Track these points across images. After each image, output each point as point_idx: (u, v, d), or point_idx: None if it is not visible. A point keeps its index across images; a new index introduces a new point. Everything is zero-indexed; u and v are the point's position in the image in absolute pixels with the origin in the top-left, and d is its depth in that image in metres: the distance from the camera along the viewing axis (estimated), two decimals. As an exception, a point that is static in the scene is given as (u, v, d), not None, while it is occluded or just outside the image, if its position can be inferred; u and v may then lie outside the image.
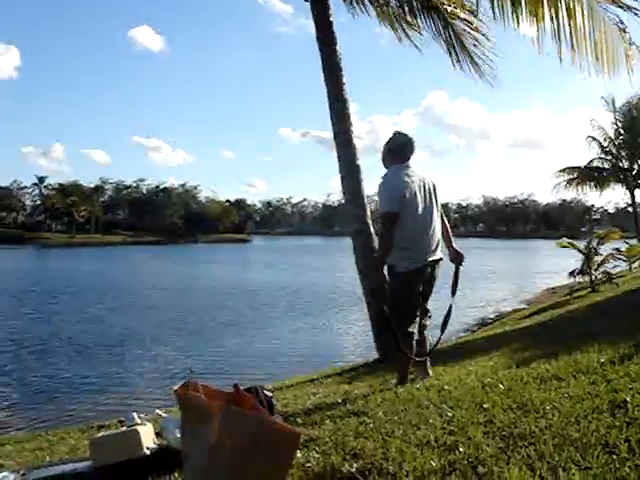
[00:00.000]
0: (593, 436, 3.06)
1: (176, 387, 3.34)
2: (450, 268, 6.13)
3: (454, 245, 6.16)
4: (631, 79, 8.84)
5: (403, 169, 5.73)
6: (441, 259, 5.88)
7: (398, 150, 5.85)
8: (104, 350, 16.37)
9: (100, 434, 4.55)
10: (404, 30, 10.85)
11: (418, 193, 5.64)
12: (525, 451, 3.02)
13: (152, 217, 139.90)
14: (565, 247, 19.28)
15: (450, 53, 10.42)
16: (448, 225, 6.21)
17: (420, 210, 5.64)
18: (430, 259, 5.73)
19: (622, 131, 36.87)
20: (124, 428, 4.40)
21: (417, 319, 5.85)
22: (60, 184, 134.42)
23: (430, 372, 6.18)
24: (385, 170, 5.92)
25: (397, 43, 10.94)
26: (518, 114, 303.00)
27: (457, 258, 6.14)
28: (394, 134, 6.00)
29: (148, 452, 4.06)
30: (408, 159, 5.82)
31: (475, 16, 10.03)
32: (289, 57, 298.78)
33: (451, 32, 10.29)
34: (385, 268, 5.75)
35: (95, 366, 14.55)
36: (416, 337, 5.86)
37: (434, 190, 5.89)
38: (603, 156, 37.86)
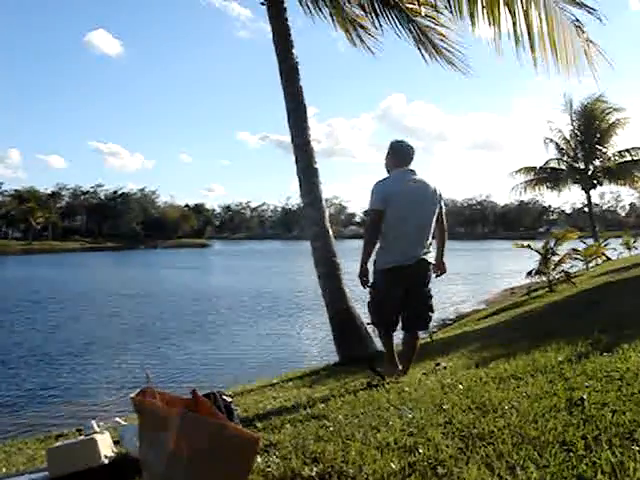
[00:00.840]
0: (551, 434, 3.08)
1: (133, 394, 3.30)
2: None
3: (442, 256, 6.34)
4: (593, 74, 8.93)
5: (403, 174, 6.08)
6: (425, 260, 6.04)
7: (399, 156, 6.22)
8: (64, 358, 16.15)
9: (57, 444, 4.48)
10: (359, 35, 10.94)
11: (408, 197, 5.95)
12: (484, 451, 3.03)
13: (111, 223, 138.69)
14: (522, 247, 19.45)
15: (419, 48, 10.49)
16: (445, 235, 6.34)
17: (405, 212, 5.91)
18: (408, 261, 5.93)
19: (578, 132, 37.40)
20: (82, 437, 4.33)
21: (394, 315, 6.10)
22: (16, 190, 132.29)
23: (402, 370, 6.23)
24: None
25: (354, 48, 11.02)
26: (475, 116, 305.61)
27: (438, 269, 6.32)
28: (397, 142, 6.35)
29: (106, 461, 4.01)
30: (408, 164, 6.17)
31: (437, 11, 10.12)
32: (248, 61, 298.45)
33: (416, 29, 10.36)
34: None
35: (54, 375, 14.35)
36: (396, 330, 6.18)
37: (432, 196, 6.10)
38: (559, 157, 38.40)
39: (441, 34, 10.35)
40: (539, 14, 8.68)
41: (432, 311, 6.24)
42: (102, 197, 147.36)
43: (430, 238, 6.12)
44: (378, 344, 9.39)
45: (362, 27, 10.94)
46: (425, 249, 6.05)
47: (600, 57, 8.90)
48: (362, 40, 11.02)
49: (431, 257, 6.15)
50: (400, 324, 6.17)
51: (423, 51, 10.53)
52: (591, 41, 8.89)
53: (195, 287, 36.24)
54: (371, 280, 6.11)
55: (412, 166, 6.19)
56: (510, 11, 8.70)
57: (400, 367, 6.25)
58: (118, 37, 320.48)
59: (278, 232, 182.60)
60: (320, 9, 10.73)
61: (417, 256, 5.96)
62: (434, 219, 6.15)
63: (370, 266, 6.08)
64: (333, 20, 10.86)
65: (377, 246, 6.05)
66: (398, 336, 6.23)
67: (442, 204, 6.27)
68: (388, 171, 6.29)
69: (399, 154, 6.25)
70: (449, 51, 10.41)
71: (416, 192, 6.00)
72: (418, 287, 6.09)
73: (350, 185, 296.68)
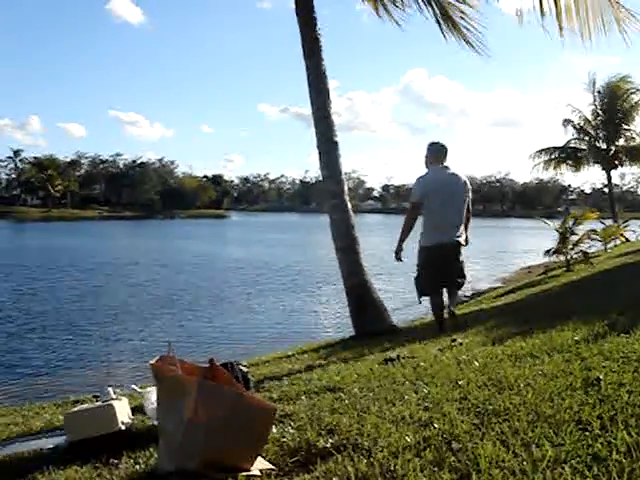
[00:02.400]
0: (566, 413, 3.08)
1: (153, 361, 3.32)
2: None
3: (466, 234, 7.86)
4: (625, 39, 8.79)
5: (439, 170, 7.64)
6: (458, 242, 7.61)
7: (437, 154, 7.74)
8: (83, 326, 16.26)
9: (75, 409, 4.52)
10: (384, 6, 10.80)
11: (444, 188, 7.51)
12: (499, 427, 3.04)
13: (129, 192, 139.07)
14: (539, 227, 19.38)
15: (440, 24, 10.36)
16: (470, 218, 7.92)
17: (442, 201, 7.44)
18: (447, 240, 7.50)
19: (600, 112, 37.05)
20: (99, 403, 4.37)
21: (437, 284, 7.73)
22: (36, 158, 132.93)
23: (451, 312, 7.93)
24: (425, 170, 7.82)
25: (378, 21, 10.88)
26: (498, 93, 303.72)
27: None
28: (432, 143, 7.86)
29: (123, 427, 4.05)
30: (443, 161, 7.70)
31: None
32: (270, 33, 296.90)
33: (437, 5, 10.24)
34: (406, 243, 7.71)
35: (73, 342, 14.46)
36: (439, 299, 7.84)
37: (464, 188, 7.71)
38: (579, 137, 38.08)
39: (462, 11, 10.23)
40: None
41: (465, 277, 7.88)
42: (121, 166, 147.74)
43: (462, 222, 7.65)
44: (394, 319, 9.44)
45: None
46: (459, 232, 7.59)
47: (634, 23, 8.75)
48: (387, 11, 10.86)
49: (463, 239, 7.68)
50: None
51: (444, 28, 10.40)
52: (623, 6, 8.75)
53: (212, 259, 36.35)
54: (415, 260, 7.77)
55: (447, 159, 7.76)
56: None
57: (447, 316, 7.91)
58: (139, 5, 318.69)
59: (296, 205, 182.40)
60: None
61: (453, 237, 7.53)
62: (465, 207, 7.71)
63: (409, 244, 7.68)
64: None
65: (422, 225, 7.59)
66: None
67: (470, 194, 7.77)
68: (427, 166, 7.77)
69: (435, 153, 7.74)
70: (468, 29, 10.27)
71: (451, 185, 7.59)
72: (452, 263, 7.63)
73: (369, 159, 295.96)
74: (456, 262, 7.66)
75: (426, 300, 7.99)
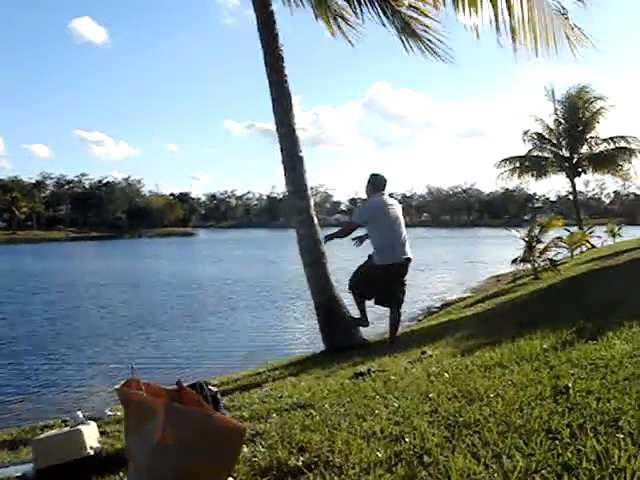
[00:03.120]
0: (536, 422, 3.09)
1: (118, 385, 3.28)
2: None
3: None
4: (576, 58, 9.00)
5: (380, 197, 8.67)
6: (409, 259, 8.60)
7: (377, 185, 8.77)
8: (53, 349, 16.07)
9: (42, 435, 4.45)
10: (339, 25, 10.91)
11: (389, 212, 8.52)
12: (470, 439, 3.04)
13: (95, 212, 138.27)
14: (503, 234, 19.57)
15: (402, 40, 10.45)
16: None
17: (389, 223, 8.47)
18: (398, 260, 8.47)
19: (562, 121, 37.54)
20: (67, 428, 4.31)
21: (374, 293, 8.69)
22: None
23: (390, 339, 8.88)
24: (366, 197, 9.01)
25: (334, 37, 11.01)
26: (462, 104, 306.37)
27: None
28: (373, 175, 8.86)
29: (92, 452, 3.99)
30: (383, 190, 8.75)
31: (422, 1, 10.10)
32: (235, 49, 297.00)
33: (400, 19, 10.32)
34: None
35: (40, 365, 14.28)
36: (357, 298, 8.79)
37: (400, 210, 8.76)
38: (542, 145, 38.52)
39: (425, 25, 10.32)
40: (521, 1, 8.73)
41: (404, 294, 8.84)
42: (86, 186, 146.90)
43: (407, 240, 8.66)
44: (364, 333, 9.44)
45: (343, 18, 10.90)
46: (407, 248, 8.58)
47: (584, 41, 8.96)
48: (342, 31, 10.99)
49: (411, 254, 8.64)
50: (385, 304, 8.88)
51: (405, 41, 10.49)
52: (574, 26, 8.93)
53: (180, 277, 36.14)
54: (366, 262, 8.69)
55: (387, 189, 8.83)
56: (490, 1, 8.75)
57: (388, 336, 8.99)
58: (103, 24, 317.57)
59: (263, 220, 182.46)
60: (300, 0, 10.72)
61: (404, 255, 8.51)
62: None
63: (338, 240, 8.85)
64: (313, 9, 10.81)
65: (373, 245, 8.54)
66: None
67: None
68: (368, 194, 8.86)
69: (377, 184, 8.79)
70: (432, 42, 10.37)
71: (394, 209, 8.63)
72: (401, 278, 8.66)
73: (336, 173, 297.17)
74: (402, 280, 8.70)
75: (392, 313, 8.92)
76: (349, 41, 11.06)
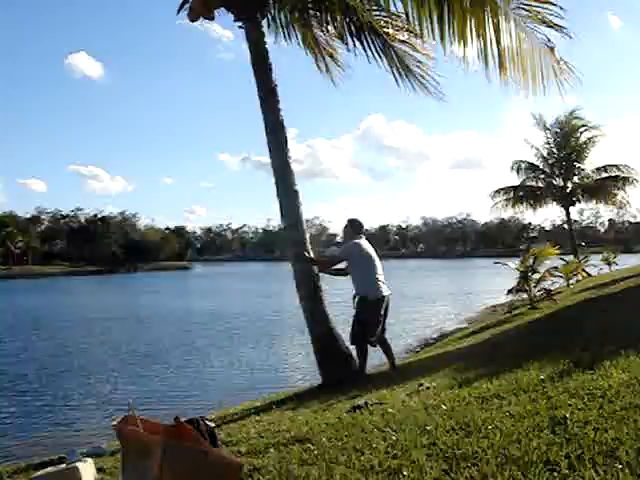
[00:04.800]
0: (534, 454, 3.08)
1: (115, 422, 3.27)
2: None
3: None
4: (561, 92, 9.11)
5: (360, 240, 9.40)
6: (390, 293, 9.26)
7: (357, 229, 9.58)
8: (44, 384, 16.00)
9: (39, 472, 4.42)
10: (325, 63, 11.13)
11: (369, 251, 9.31)
12: (468, 472, 3.03)
13: (91, 247, 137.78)
14: (501, 264, 19.54)
15: (393, 74, 10.54)
16: None
17: (372, 260, 9.22)
18: (385, 293, 9.11)
19: (554, 150, 37.71)
20: (64, 465, 4.28)
21: (377, 332, 9.08)
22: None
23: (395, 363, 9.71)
24: (343, 240, 10.03)
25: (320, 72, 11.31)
26: (456, 135, 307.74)
27: None
28: (351, 220, 9.76)
29: (88, 489, 3.96)
30: (361, 233, 9.55)
31: (415, 36, 10.20)
32: (230, 83, 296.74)
33: (393, 54, 10.42)
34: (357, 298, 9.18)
35: (36, 401, 14.20)
36: (376, 343, 9.22)
37: (375, 251, 9.47)
38: (536, 175, 38.64)
39: (417, 60, 10.43)
40: (510, 35, 8.84)
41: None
42: (82, 221, 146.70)
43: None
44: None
45: (330, 56, 11.12)
46: (385, 285, 9.25)
47: (571, 74, 9.06)
48: (328, 69, 11.20)
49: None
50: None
51: (398, 76, 10.59)
52: (560, 60, 9.03)
53: (176, 311, 36.00)
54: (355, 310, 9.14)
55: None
56: (478, 34, 8.85)
57: (389, 366, 9.68)
58: (100, 60, 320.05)
59: (259, 254, 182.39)
60: (289, 35, 10.92)
61: (386, 292, 9.17)
62: None
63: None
64: (305, 43, 10.99)
65: (360, 283, 9.17)
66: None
67: None
68: (346, 236, 9.74)
69: (357, 228, 9.61)
70: (423, 77, 10.47)
71: (371, 250, 9.39)
72: (387, 311, 9.24)
73: (333, 205, 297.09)
74: (386, 313, 9.27)
75: (391, 345, 9.49)
76: (332, 80, 11.35)
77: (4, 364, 19.25)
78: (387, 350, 9.55)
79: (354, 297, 9.19)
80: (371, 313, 9.01)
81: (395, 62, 10.47)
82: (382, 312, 9.08)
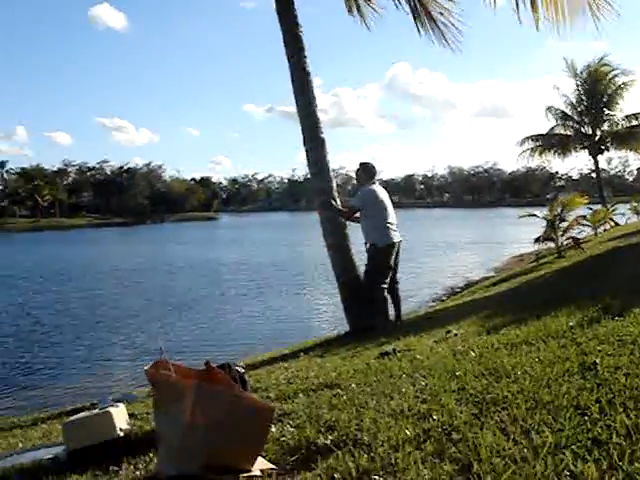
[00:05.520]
0: (564, 398, 3.08)
1: (147, 367, 3.30)
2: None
3: None
4: (597, 28, 8.83)
5: (374, 186, 9.40)
6: (401, 240, 9.36)
7: (370, 174, 9.59)
8: (77, 334, 16.25)
9: (72, 418, 4.50)
10: (358, 6, 10.83)
11: (383, 198, 9.30)
12: (498, 416, 3.04)
13: (117, 198, 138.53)
14: (528, 216, 19.38)
15: (415, 21, 10.37)
16: None
17: (384, 207, 9.24)
18: (395, 240, 9.20)
19: (584, 97, 37.13)
20: (97, 410, 4.35)
21: (388, 279, 9.14)
22: (22, 168, 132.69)
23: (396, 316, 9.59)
24: (357, 184, 10.04)
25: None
26: (483, 83, 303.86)
27: None
28: (363, 164, 9.73)
29: (121, 433, 4.03)
30: (374, 178, 9.61)
31: None
32: (254, 32, 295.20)
33: (417, 1, 10.25)
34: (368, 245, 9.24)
35: (69, 350, 14.47)
36: (387, 291, 9.16)
37: (388, 198, 9.52)
38: (565, 123, 38.13)
39: (443, 7, 10.24)
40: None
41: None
42: (108, 173, 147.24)
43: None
44: (388, 314, 9.43)
45: None
46: (397, 232, 9.32)
47: (606, 10, 8.79)
48: (361, 13, 10.92)
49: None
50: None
51: (420, 23, 10.41)
52: None
53: (205, 262, 36.19)
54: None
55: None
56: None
57: (394, 317, 9.55)
58: (123, 10, 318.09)
59: (285, 204, 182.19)
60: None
61: (399, 236, 9.30)
62: None
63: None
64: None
65: (370, 230, 9.20)
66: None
67: None
68: (359, 181, 9.70)
69: (369, 172, 9.61)
70: (446, 25, 10.29)
71: (385, 196, 9.39)
72: (397, 258, 9.34)
73: (359, 155, 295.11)
74: (397, 260, 9.38)
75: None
76: (365, 23, 11.01)
77: (39, 316, 19.54)
78: (396, 300, 9.55)
79: (365, 245, 9.31)
80: (382, 260, 9.11)
81: (418, 9, 10.30)
82: (393, 259, 9.20)
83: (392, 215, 9.32)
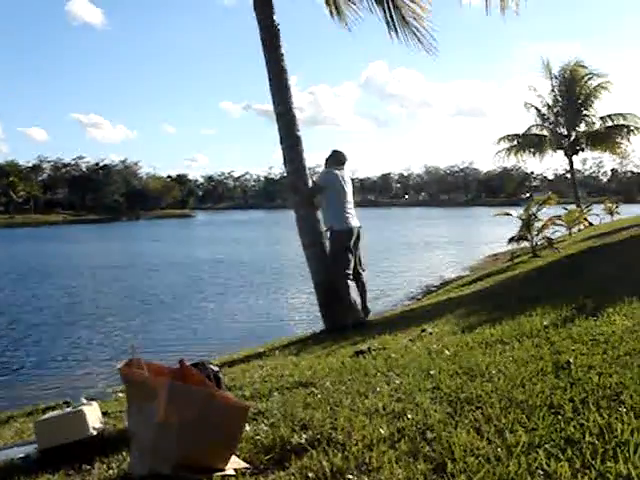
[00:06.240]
0: (538, 398, 3.10)
1: (120, 365, 3.28)
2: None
3: None
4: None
5: (336, 170, 9.47)
6: (360, 226, 9.41)
7: (335, 160, 9.66)
8: (49, 331, 16.12)
9: (45, 416, 4.45)
10: (337, 6, 10.82)
11: (344, 182, 9.42)
12: (472, 415, 3.05)
13: (93, 195, 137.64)
14: (504, 215, 19.49)
15: (388, 24, 10.40)
16: None
17: (345, 192, 9.37)
18: (353, 224, 9.25)
19: (559, 98, 37.42)
20: (69, 409, 4.31)
21: (351, 265, 9.16)
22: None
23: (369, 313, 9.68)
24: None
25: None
26: (459, 83, 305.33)
27: None
28: (335, 151, 9.77)
29: (95, 432, 3.99)
30: (342, 166, 9.62)
31: None
32: (231, 29, 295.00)
33: (390, 4, 10.26)
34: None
35: (41, 347, 14.33)
36: (351, 278, 9.15)
37: (351, 187, 9.67)
38: (541, 123, 38.43)
39: (414, 12, 10.27)
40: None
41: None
42: (84, 169, 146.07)
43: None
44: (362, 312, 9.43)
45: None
46: (356, 218, 9.40)
47: None
48: (339, 12, 10.92)
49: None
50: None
51: (393, 27, 10.44)
52: None
53: (181, 260, 36.05)
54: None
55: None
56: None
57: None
58: (99, 5, 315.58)
59: (261, 202, 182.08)
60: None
61: (356, 224, 9.32)
62: None
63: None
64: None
65: (330, 215, 9.30)
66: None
67: None
68: (326, 165, 9.68)
69: (336, 157, 9.66)
70: (418, 30, 10.34)
71: (346, 183, 9.48)
72: (357, 243, 9.35)
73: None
74: (358, 245, 9.40)
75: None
76: (345, 23, 11.02)
77: (14, 312, 19.36)
78: (361, 289, 9.46)
79: (326, 232, 9.41)
80: (340, 245, 9.17)
81: (392, 12, 10.32)
82: (351, 244, 9.20)
83: (351, 201, 9.43)
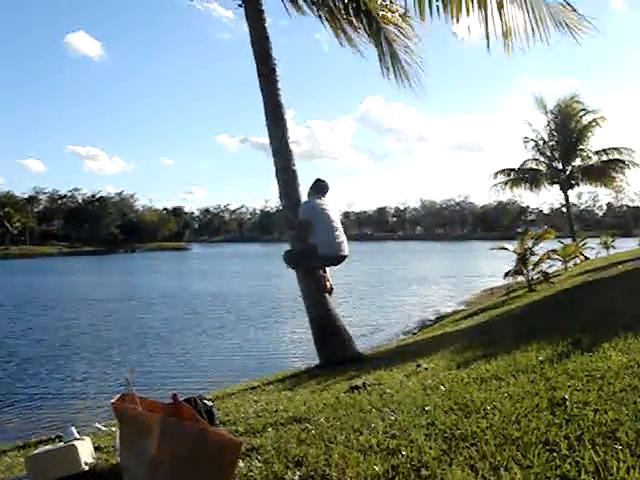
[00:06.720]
0: (534, 434, 3.08)
1: (113, 400, 3.26)
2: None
3: None
4: (577, 40, 8.76)
5: (313, 200, 9.33)
6: (345, 256, 9.30)
7: (316, 189, 9.52)
8: (42, 364, 16.01)
9: (36, 451, 4.41)
10: (345, 32, 10.89)
11: (327, 209, 9.26)
12: (467, 452, 3.03)
13: (88, 227, 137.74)
14: (500, 249, 19.50)
15: (380, 59, 10.52)
16: None
17: (327, 216, 9.18)
18: (341, 253, 9.22)
19: (555, 133, 37.67)
20: (62, 444, 4.27)
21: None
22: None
23: None
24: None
25: (335, 50, 11.13)
26: (456, 117, 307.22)
27: None
28: (317, 180, 9.64)
29: (87, 467, 3.96)
30: (323, 195, 9.49)
31: (405, 19, 10.14)
32: (230, 63, 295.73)
33: (383, 38, 10.37)
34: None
35: (33, 380, 14.23)
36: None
37: (336, 212, 9.57)
38: (537, 157, 38.67)
39: (407, 46, 10.40)
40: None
41: None
42: (80, 201, 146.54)
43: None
44: (358, 346, 9.41)
45: (351, 23, 10.83)
46: (343, 245, 9.27)
47: (584, 26, 8.77)
48: (348, 38, 10.97)
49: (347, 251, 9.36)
50: None
51: (383, 62, 10.57)
52: (573, 8, 8.76)
53: (174, 292, 35.99)
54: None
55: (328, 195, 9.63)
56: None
57: None
58: (99, 38, 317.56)
59: (257, 235, 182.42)
60: (310, 7, 10.73)
61: (341, 252, 9.24)
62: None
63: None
64: (320, 17, 10.82)
65: (318, 242, 9.02)
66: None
67: None
68: (309, 195, 9.49)
69: (316, 187, 9.53)
70: (409, 64, 10.46)
71: (328, 210, 9.26)
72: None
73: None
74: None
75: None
76: (358, 50, 11.09)
77: (10, 345, 19.25)
78: None
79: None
80: (312, 255, 9.15)
81: (384, 47, 10.45)
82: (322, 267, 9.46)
83: (333, 228, 9.20)
